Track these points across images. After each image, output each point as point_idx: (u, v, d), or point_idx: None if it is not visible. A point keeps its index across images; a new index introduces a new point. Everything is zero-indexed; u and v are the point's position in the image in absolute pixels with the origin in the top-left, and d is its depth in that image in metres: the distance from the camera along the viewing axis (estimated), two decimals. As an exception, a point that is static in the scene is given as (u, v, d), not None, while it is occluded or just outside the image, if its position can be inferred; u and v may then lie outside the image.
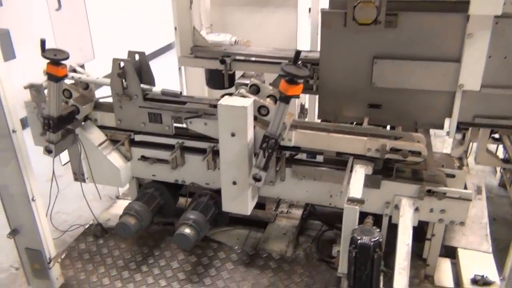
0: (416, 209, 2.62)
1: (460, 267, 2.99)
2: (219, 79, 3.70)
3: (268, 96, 2.83)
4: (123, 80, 2.79)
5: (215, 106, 2.81)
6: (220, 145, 2.58)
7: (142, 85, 2.81)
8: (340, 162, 2.71)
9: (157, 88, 2.81)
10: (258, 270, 2.92)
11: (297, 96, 2.21)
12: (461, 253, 3.11)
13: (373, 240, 2.03)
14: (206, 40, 3.34)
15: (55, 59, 2.39)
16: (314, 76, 3.04)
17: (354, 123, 3.15)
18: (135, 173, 3.09)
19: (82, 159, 2.94)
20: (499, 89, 2.63)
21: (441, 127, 2.89)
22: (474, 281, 2.85)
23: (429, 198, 2.58)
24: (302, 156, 2.77)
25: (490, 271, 2.94)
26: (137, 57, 2.90)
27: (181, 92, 2.79)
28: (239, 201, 2.70)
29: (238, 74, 3.26)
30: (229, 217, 3.13)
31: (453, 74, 2.62)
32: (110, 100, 2.97)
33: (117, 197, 3.84)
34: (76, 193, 3.95)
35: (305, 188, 2.79)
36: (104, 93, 3.03)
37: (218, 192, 3.02)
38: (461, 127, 2.85)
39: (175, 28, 3.48)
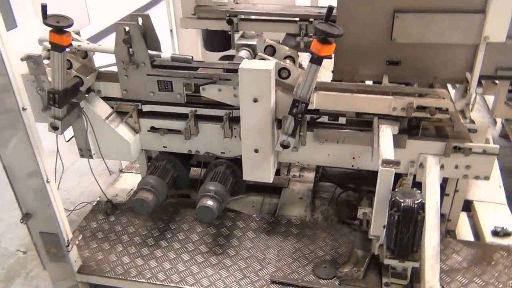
0: (441, 167, 2.59)
1: (479, 219, 3.02)
2: (218, 40, 3.52)
3: (285, 57, 2.69)
4: (129, 47, 2.58)
5: (229, 70, 2.66)
6: (242, 111, 2.44)
7: (149, 51, 2.61)
8: (363, 123, 2.63)
9: (165, 54, 2.62)
10: (281, 237, 2.87)
11: (330, 57, 2.08)
12: (477, 206, 3.13)
13: (416, 202, 1.98)
14: (210, 0, 3.12)
15: (59, 26, 2.17)
16: (314, 31, 2.88)
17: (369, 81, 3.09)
18: (144, 145, 2.93)
19: (89, 133, 2.76)
20: (523, 39, 2.57)
21: (461, 81, 2.82)
22: (495, 233, 2.89)
23: (454, 154, 2.54)
24: (323, 118, 2.66)
25: (508, 221, 2.98)
26: (140, 20, 2.69)
27: (192, 57, 2.61)
28: (261, 169, 2.60)
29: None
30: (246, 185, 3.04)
31: (477, 26, 2.52)
32: (112, 68, 2.78)
33: (121, 171, 3.68)
34: (74, 170, 3.79)
35: (327, 152, 2.70)
36: (100, 62, 2.82)
37: (234, 160, 2.92)
38: (483, 80, 2.79)
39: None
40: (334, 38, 2.04)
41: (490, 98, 4.61)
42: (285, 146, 2.35)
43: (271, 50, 2.71)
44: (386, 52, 2.76)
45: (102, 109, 2.75)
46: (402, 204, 1.97)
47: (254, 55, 3.25)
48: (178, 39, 4.72)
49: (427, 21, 2.57)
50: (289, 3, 4.10)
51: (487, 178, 2.62)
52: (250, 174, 2.65)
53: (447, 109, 2.46)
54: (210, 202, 2.62)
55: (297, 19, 2.95)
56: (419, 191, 2.06)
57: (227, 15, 3.04)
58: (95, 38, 3.41)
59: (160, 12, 4.94)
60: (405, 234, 2.03)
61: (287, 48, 2.70)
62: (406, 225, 2.00)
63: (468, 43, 2.62)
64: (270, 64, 2.34)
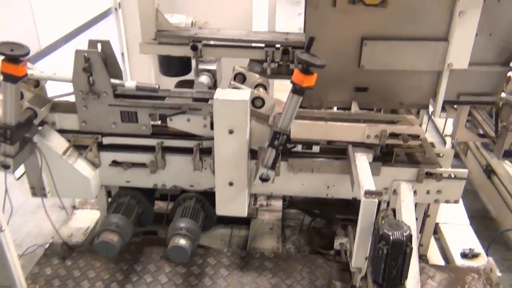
0: (414, 192, 2.60)
1: (446, 242, 3.06)
2: (176, 65, 3.38)
3: (256, 85, 2.61)
4: (89, 76, 2.38)
5: (199, 99, 2.54)
6: (216, 143, 2.32)
7: (112, 80, 2.43)
8: (336, 151, 2.58)
9: (130, 83, 2.45)
10: (255, 272, 2.73)
11: (312, 87, 2.02)
12: (443, 228, 3.19)
13: (405, 234, 1.94)
14: (171, 24, 2.98)
15: (14, 55, 1.94)
16: (295, 60, 2.85)
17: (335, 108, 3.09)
18: (105, 181, 2.71)
19: (43, 170, 2.50)
20: (484, 66, 2.67)
21: (426, 106, 2.90)
22: (464, 255, 2.94)
23: (426, 180, 2.57)
24: (297, 148, 2.60)
25: (474, 242, 3.04)
26: (99, 46, 2.50)
27: (159, 86, 2.45)
28: (236, 203, 2.47)
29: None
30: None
31: (441, 53, 2.60)
32: (66, 98, 2.56)
33: (74, 207, 3.39)
34: (20, 208, 3.43)
35: (301, 181, 2.63)
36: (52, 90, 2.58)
37: (203, 193, 2.77)
38: (446, 105, 2.87)
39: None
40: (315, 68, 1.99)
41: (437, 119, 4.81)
42: (264, 179, 2.25)
43: (241, 78, 2.62)
44: (354, 78, 2.77)
45: (57, 143, 2.51)
46: (391, 237, 1.92)
47: (214, 80, 3.16)
48: (129, 63, 4.52)
49: (394, 49, 2.62)
50: (245, 27, 4.08)
51: (456, 201, 2.67)
52: (224, 208, 2.51)
53: (418, 136, 2.48)
54: (182, 241, 2.44)
55: (263, 45, 2.89)
56: (405, 223, 2.02)
57: (191, 40, 2.92)
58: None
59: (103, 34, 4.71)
60: (393, 267, 1.98)
61: (257, 75, 2.63)
62: (395, 258, 1.96)
63: (432, 70, 2.69)
64: (245, 94, 2.25)
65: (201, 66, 3.02)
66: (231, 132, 2.25)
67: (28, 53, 2.00)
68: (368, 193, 2.13)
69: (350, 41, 2.64)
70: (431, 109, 2.91)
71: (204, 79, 3.07)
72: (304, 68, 1.96)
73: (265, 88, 2.58)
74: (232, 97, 2.21)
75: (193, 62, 3.10)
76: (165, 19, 2.96)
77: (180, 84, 3.41)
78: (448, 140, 4.75)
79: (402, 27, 2.57)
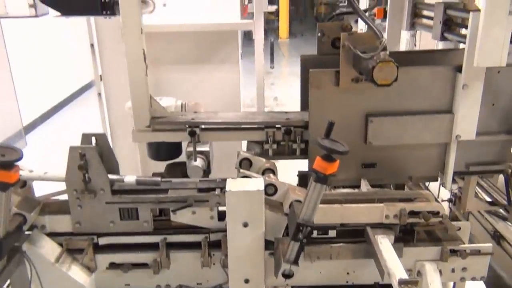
0: (439, 272, 2.44)
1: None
2: (166, 149, 3.23)
3: (264, 171, 2.47)
4: (85, 173, 2.19)
5: (204, 190, 2.37)
6: (229, 238, 2.12)
7: (110, 176, 2.24)
8: (353, 234, 2.43)
9: (129, 177, 2.27)
10: None
11: (335, 174, 1.89)
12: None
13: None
14: (165, 110, 2.87)
15: (6, 161, 1.75)
16: (297, 140, 2.76)
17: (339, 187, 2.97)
18: (102, 285, 2.42)
19: (33, 282, 2.21)
20: (489, 135, 2.64)
21: (435, 179, 2.81)
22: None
23: (451, 258, 2.42)
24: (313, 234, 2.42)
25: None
26: (93, 140, 2.34)
27: (161, 178, 2.28)
28: (252, 302, 2.23)
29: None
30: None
31: (447, 125, 2.56)
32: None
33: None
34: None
35: (319, 269, 2.43)
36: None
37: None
38: (456, 176, 2.80)
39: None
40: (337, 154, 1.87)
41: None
42: (288, 275, 2.04)
43: (247, 164, 2.48)
44: (362, 155, 2.68)
45: (49, 249, 2.25)
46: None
47: (207, 162, 3.02)
48: (114, 148, 4.34)
49: (400, 123, 2.57)
50: (233, 105, 4.02)
51: (483, 278, 2.51)
52: (239, 308, 2.26)
53: (438, 212, 2.37)
54: None
55: (263, 126, 2.80)
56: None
57: (187, 126, 2.80)
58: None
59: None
60: None
61: (264, 160, 2.50)
62: None
63: (440, 142, 2.64)
64: (259, 183, 2.10)
65: (191, 148, 2.89)
66: (245, 225, 2.07)
67: (21, 157, 1.80)
68: (403, 283, 1.96)
69: (355, 119, 2.59)
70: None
71: (198, 162, 2.93)
72: (327, 156, 1.84)
73: (273, 172, 2.44)
74: (245, 187, 2.06)
75: (185, 145, 2.98)
76: (159, 105, 2.85)
77: (170, 168, 3.25)
78: (445, 205, 4.68)
79: (407, 102, 2.55)
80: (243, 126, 2.80)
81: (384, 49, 2.06)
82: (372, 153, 2.67)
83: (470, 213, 4.21)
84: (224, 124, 2.78)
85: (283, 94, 10.25)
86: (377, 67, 2.02)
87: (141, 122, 2.80)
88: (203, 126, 2.78)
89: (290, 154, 2.82)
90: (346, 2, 2.30)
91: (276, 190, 2.24)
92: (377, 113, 2.56)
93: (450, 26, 2.90)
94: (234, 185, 2.08)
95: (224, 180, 2.49)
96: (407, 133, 2.58)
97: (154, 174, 3.10)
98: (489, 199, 3.12)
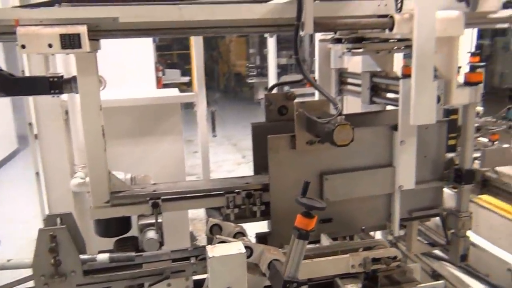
0: (403, 314, 2.62)
1: None
2: (116, 224, 3.16)
3: (235, 234, 2.54)
4: (55, 256, 2.09)
5: (179, 259, 2.37)
6: (214, 306, 2.12)
7: (81, 256, 2.16)
8: (324, 286, 2.55)
9: (102, 256, 2.20)
10: None
11: (314, 230, 2.03)
12: None
13: None
14: (125, 184, 2.84)
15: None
16: (257, 202, 2.88)
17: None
18: None
19: None
20: (424, 183, 3.00)
21: (384, 227, 3.08)
22: None
23: (411, 299, 2.63)
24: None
25: None
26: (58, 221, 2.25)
27: (136, 251, 2.25)
28: None
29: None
30: None
31: (390, 177, 2.87)
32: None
33: None
34: None
35: (297, 327, 2.48)
36: None
37: None
38: (401, 223, 3.08)
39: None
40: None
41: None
42: (278, 335, 2.08)
43: (217, 229, 2.53)
44: (319, 212, 2.87)
45: None
46: None
47: (161, 234, 3.00)
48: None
49: (351, 179, 2.83)
50: (178, 176, 4.06)
51: (439, 314, 2.74)
52: None
53: (396, 257, 2.59)
54: None
55: (223, 192, 2.89)
56: None
57: (148, 198, 2.80)
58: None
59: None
60: None
61: (233, 224, 2.57)
62: None
63: (385, 193, 2.93)
64: (239, 246, 2.17)
65: (145, 221, 2.88)
66: (229, 290, 2.10)
67: None
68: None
69: (311, 178, 2.78)
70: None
71: (152, 234, 2.91)
72: (307, 213, 1.99)
73: (244, 235, 2.51)
74: (228, 252, 2.11)
75: (135, 219, 2.95)
76: (118, 180, 2.83)
77: (120, 243, 3.15)
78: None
79: (355, 159, 2.83)
80: (204, 193, 2.86)
81: (340, 114, 2.33)
82: (329, 209, 2.84)
83: (407, 256, 4.55)
84: (187, 193, 2.83)
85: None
86: (336, 130, 2.27)
87: (99, 199, 2.74)
88: (165, 197, 2.80)
89: (251, 217, 2.92)
90: (303, 77, 2.57)
91: (252, 252, 2.31)
92: (331, 171, 2.80)
93: (377, 91, 3.31)
94: (215, 251, 2.12)
95: (196, 249, 2.52)
96: (357, 188, 2.84)
97: (100, 252, 3.00)
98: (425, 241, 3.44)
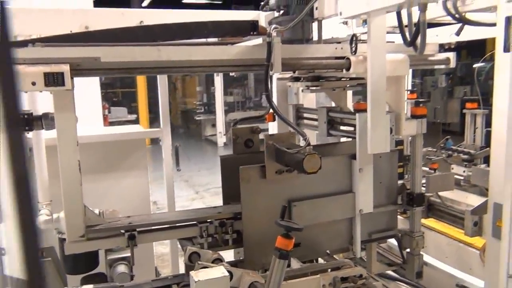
0: (371, 329, 2.82)
1: None
2: (84, 261, 3.16)
3: (214, 261, 2.65)
4: (41, 289, 2.10)
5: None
6: (200, 330, 2.21)
7: (66, 289, 2.19)
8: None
9: (87, 287, 2.24)
10: None
11: (292, 251, 2.22)
12: None
13: None
14: (100, 217, 2.89)
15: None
16: (229, 231, 3.02)
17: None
18: None
19: None
20: (381, 207, 3.29)
21: (347, 250, 3.31)
22: None
23: (378, 315, 2.84)
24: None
25: None
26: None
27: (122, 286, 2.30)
28: None
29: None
30: None
31: (351, 202, 3.13)
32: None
33: None
34: None
35: None
36: None
37: None
38: (362, 246, 3.32)
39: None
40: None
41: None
42: None
43: (196, 257, 2.64)
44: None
45: None
46: None
47: (131, 267, 3.05)
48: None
49: (316, 205, 3.05)
50: (144, 209, 4.11)
51: (402, 328, 2.97)
52: None
53: (362, 275, 2.81)
54: None
55: (196, 222, 3.01)
56: None
57: (123, 231, 2.86)
58: None
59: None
60: None
61: (210, 251, 2.69)
62: None
63: (347, 217, 3.18)
64: (221, 269, 2.30)
65: (113, 256, 2.94)
66: (215, 312, 2.21)
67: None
68: None
69: (280, 205, 2.98)
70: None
71: (123, 267, 2.96)
72: (286, 234, 2.17)
73: (222, 261, 2.64)
74: (212, 276, 2.23)
75: (104, 254, 2.99)
76: (93, 214, 2.87)
77: (88, 280, 3.15)
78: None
79: (319, 186, 3.07)
80: (179, 224, 2.97)
81: (308, 144, 2.57)
82: (297, 234, 3.06)
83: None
84: (162, 224, 2.92)
85: (162, 197, 10.33)
86: (306, 159, 2.50)
87: (75, 233, 2.77)
88: (140, 229, 2.87)
89: (223, 245, 3.05)
90: (272, 111, 2.81)
91: (231, 276, 2.44)
92: (298, 198, 3.01)
93: (333, 124, 3.62)
94: (200, 275, 2.24)
95: (176, 276, 2.61)
96: (322, 213, 3.07)
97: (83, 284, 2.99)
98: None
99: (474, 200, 3.85)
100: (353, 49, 2.87)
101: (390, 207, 3.32)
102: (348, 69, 2.83)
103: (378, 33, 2.67)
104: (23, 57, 2.34)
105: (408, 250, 3.39)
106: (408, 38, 2.40)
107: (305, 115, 4.16)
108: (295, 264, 3.00)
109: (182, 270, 3.20)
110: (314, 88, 3.55)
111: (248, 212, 2.94)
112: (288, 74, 3.77)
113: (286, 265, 2.21)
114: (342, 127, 3.62)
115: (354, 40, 2.84)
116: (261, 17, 3.52)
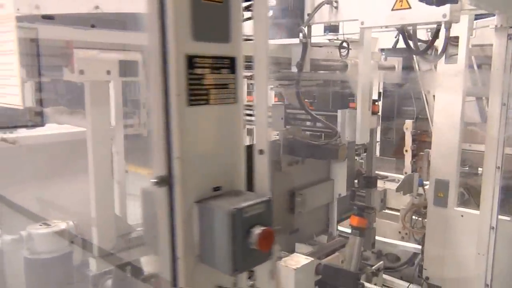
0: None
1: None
2: None
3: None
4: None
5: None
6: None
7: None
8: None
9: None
10: None
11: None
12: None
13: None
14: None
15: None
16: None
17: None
18: None
19: None
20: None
21: (326, 231, 3.72)
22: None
23: None
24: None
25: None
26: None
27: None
28: None
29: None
30: None
31: (332, 188, 3.57)
32: None
33: None
34: None
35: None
36: None
37: None
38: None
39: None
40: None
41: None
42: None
43: None
44: (288, 224, 3.29)
45: None
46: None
47: None
48: None
49: (313, 193, 3.38)
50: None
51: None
52: None
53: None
54: None
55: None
56: None
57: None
58: None
59: None
60: None
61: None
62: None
63: (329, 202, 3.60)
64: (302, 256, 2.43)
65: None
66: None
67: None
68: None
69: (283, 195, 3.20)
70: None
71: None
72: (359, 213, 2.48)
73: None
74: (303, 262, 2.37)
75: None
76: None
77: None
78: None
79: (310, 176, 3.39)
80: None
81: (339, 137, 2.90)
82: (296, 220, 3.33)
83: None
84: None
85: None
86: (340, 148, 2.84)
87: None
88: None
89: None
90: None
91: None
92: (301, 187, 3.28)
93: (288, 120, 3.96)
94: (292, 264, 2.34)
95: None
96: (316, 199, 3.41)
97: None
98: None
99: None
100: (344, 53, 3.30)
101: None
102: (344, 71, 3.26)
103: (369, 44, 3.20)
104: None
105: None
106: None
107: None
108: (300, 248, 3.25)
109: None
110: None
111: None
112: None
113: (362, 242, 2.51)
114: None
115: (346, 45, 3.27)
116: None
